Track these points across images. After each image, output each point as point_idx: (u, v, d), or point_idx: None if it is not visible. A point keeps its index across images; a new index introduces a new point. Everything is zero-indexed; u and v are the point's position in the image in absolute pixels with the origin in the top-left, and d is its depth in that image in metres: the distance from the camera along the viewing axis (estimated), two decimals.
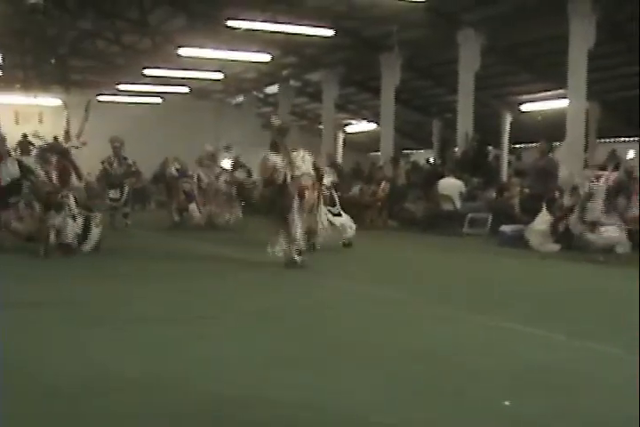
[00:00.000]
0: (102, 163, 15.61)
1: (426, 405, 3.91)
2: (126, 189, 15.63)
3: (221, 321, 6.04)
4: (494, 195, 16.60)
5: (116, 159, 15.55)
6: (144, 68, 24.59)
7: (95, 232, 10.84)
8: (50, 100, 29.08)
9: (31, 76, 28.47)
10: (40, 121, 28.73)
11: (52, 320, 5.96)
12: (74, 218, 10.54)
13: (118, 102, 29.60)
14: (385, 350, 5.11)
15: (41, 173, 10.63)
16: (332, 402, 3.89)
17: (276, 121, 9.94)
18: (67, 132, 11.20)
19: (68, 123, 11.37)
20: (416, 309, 6.83)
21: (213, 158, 17.17)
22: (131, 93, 29.63)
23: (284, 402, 3.88)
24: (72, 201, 10.64)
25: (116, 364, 4.62)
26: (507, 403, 3.91)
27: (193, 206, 15.78)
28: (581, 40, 15.54)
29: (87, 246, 10.75)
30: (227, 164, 20.50)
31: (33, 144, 12.15)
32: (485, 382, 4.32)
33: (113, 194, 15.35)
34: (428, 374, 4.50)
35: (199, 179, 16.23)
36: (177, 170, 16.29)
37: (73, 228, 10.50)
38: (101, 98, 28.02)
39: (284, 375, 4.38)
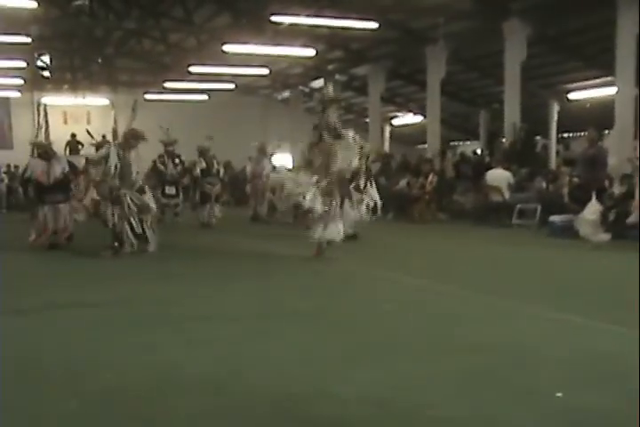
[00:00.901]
0: (154, 162, 15.72)
1: (486, 398, 3.90)
2: (180, 188, 15.82)
3: (277, 319, 6.05)
4: (543, 185, 16.45)
5: (170, 160, 15.71)
6: (190, 66, 24.78)
7: (150, 234, 10.77)
8: (97, 100, 29.56)
9: (79, 76, 28.95)
10: (88, 121, 29.24)
11: (112, 320, 6.01)
12: (128, 219, 10.52)
13: (165, 100, 29.86)
14: (442, 343, 5.10)
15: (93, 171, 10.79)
16: (393, 397, 3.89)
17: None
18: (114, 131, 11.33)
19: (115, 122, 11.51)
20: (471, 301, 6.80)
21: (262, 151, 17.25)
22: (177, 91, 29.90)
23: (345, 398, 3.89)
24: (128, 200, 10.59)
25: (181, 361, 4.66)
26: (559, 395, 3.89)
27: (206, 206, 15.70)
28: (629, 26, 15.32)
29: (149, 248, 10.72)
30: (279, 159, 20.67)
31: (82, 143, 12.39)
32: (549, 375, 4.29)
33: (169, 190, 15.50)
34: (487, 367, 4.48)
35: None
36: (202, 170, 15.85)
37: (126, 229, 10.47)
38: (148, 96, 28.33)
39: (353, 373, 4.38)
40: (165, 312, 6.33)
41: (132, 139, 10.68)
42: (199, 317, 6.08)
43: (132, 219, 10.48)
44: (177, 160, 16.00)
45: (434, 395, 3.94)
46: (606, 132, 16.64)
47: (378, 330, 5.56)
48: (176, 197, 15.69)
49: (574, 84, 23.02)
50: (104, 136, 11.44)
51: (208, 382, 4.19)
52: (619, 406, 3.73)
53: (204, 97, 30.76)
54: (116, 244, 10.38)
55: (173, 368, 4.50)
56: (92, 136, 11.23)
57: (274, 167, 17.40)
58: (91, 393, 4.04)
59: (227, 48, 20.56)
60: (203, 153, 15.84)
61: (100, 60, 27.86)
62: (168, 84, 28.60)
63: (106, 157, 10.44)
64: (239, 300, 7.01)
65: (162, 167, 15.64)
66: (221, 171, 16.27)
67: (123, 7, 22.67)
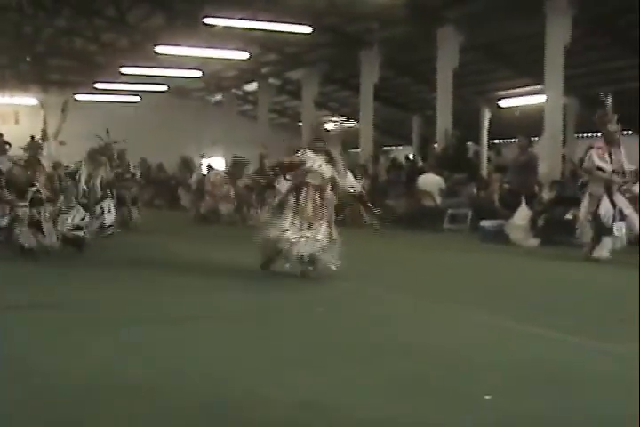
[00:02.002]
0: None
1: (422, 401, 3.90)
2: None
3: (216, 322, 5.98)
4: (475, 190, 16.64)
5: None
6: (121, 67, 24.44)
7: (47, 227, 10.04)
8: (26, 100, 28.90)
9: (6, 75, 28.25)
10: (16, 121, 28.60)
11: (42, 323, 5.87)
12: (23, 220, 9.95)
13: (96, 101, 29.38)
14: (375, 346, 5.10)
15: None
16: (324, 400, 3.87)
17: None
18: (44, 132, 11.04)
19: (45, 122, 11.22)
20: (404, 305, 6.82)
21: (186, 164, 17.35)
22: (108, 92, 29.46)
23: (282, 402, 3.85)
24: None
25: (115, 366, 4.57)
26: (487, 397, 3.91)
27: (122, 210, 15.16)
28: (557, 36, 15.61)
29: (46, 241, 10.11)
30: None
31: (9, 143, 12.07)
32: (480, 379, 4.31)
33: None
34: (419, 370, 4.48)
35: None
36: (116, 174, 15.61)
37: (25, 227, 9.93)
38: (79, 97, 27.82)
39: (283, 376, 4.35)
40: (101, 315, 6.21)
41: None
42: (133, 320, 6.00)
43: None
44: (114, 163, 15.61)
45: (365, 398, 3.92)
46: (535, 139, 16.91)
47: (310, 333, 5.54)
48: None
49: (505, 92, 23.35)
50: (32, 137, 11.12)
51: (138, 386, 4.12)
52: (550, 411, 3.75)
53: (136, 98, 30.36)
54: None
55: (104, 373, 4.40)
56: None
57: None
58: (18, 398, 3.93)
59: (159, 49, 20.34)
60: (120, 156, 15.68)
61: (28, 59, 27.26)
62: (99, 85, 28.15)
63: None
64: (174, 302, 6.92)
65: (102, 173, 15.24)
66: (137, 174, 16.18)
67: (53, 5, 22.21)
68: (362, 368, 4.53)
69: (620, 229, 9.81)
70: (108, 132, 14.31)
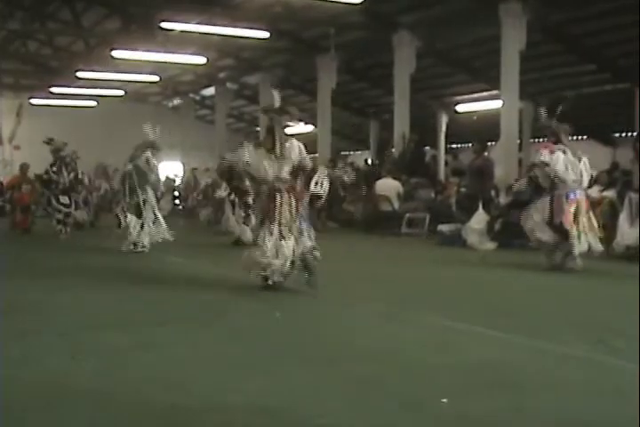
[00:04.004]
0: (46, 171, 15.11)
1: (375, 407, 3.87)
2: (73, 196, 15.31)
3: (169, 328, 5.92)
4: (432, 195, 16.73)
5: (63, 167, 15.11)
6: (77, 71, 24.17)
7: None
8: None
9: None
10: None
11: None
12: None
13: (52, 106, 29.02)
14: (332, 351, 5.07)
15: None
16: (282, 406, 3.85)
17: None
18: None
19: None
20: (359, 309, 6.76)
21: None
22: (64, 97, 29.12)
23: (237, 408, 3.83)
24: None
25: (67, 372, 4.50)
26: (444, 400, 3.91)
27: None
28: (513, 41, 15.77)
29: None
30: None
31: None
32: (434, 383, 4.30)
33: (63, 199, 14.95)
34: (375, 375, 4.46)
35: None
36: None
37: None
38: (34, 101, 27.49)
39: (237, 381, 4.31)
40: (51, 321, 6.13)
41: None
42: (87, 326, 5.91)
43: None
44: (70, 167, 15.43)
45: (323, 404, 3.90)
46: (491, 143, 17.05)
47: (267, 339, 5.49)
48: (69, 207, 15.10)
49: (462, 97, 23.53)
50: None
51: (93, 394, 4.06)
52: (506, 414, 3.76)
53: (93, 103, 30.05)
54: None
55: (58, 380, 4.34)
56: None
57: None
58: None
59: (116, 53, 20.18)
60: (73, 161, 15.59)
61: None
62: (55, 89, 27.81)
63: None
64: (127, 308, 6.86)
65: (54, 176, 15.01)
66: (85, 179, 16.17)
67: (5, 7, 21.86)
68: (321, 373, 4.50)
69: None
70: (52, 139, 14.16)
